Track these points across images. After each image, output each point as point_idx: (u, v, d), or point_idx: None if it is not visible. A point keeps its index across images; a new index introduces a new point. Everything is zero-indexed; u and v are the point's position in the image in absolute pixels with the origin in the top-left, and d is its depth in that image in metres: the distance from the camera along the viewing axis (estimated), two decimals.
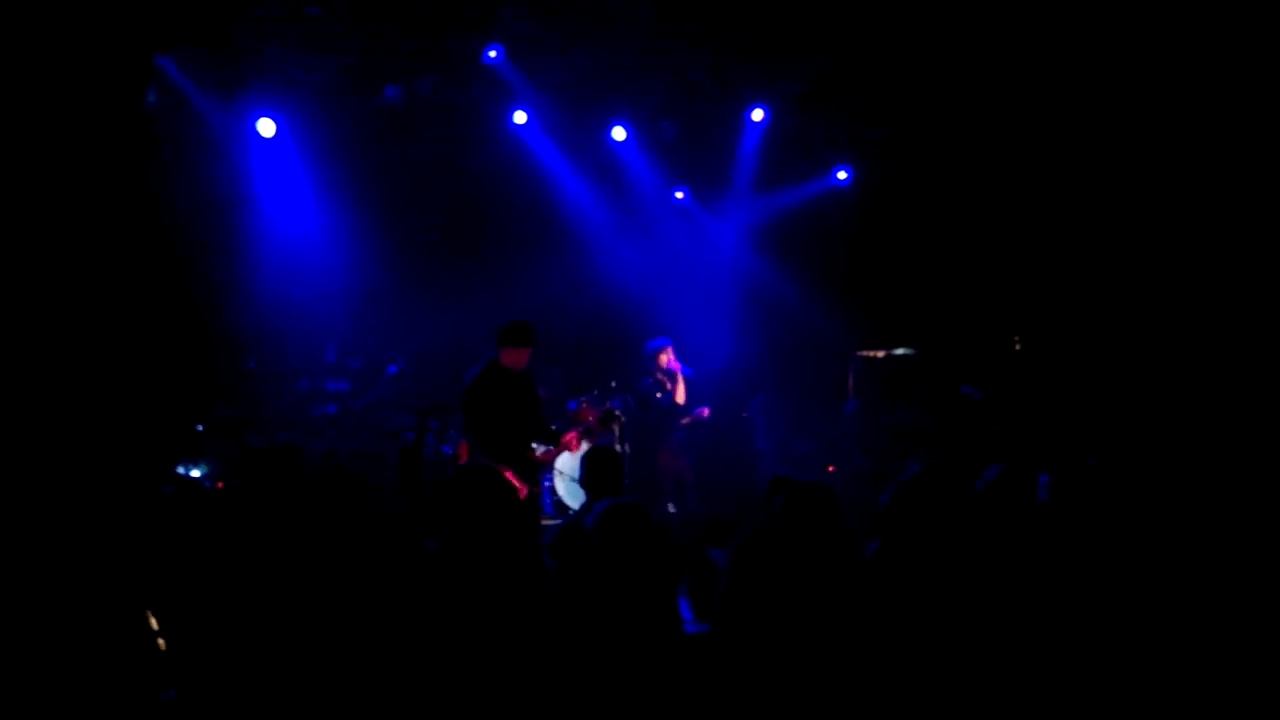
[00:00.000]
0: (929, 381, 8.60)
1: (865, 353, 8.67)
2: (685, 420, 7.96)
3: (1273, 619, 3.27)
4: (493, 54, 8.03)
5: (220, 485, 6.83)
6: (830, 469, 8.38)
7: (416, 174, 8.67)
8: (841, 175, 9.81)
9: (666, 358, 7.85)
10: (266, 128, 7.97)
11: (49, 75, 6.38)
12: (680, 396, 7.87)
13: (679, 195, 9.87)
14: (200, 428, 7.43)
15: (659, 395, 7.82)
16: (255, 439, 7.44)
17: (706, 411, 8.04)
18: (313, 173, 8.36)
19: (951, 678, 3.05)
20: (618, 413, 7.54)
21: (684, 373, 7.88)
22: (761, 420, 8.99)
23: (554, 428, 6.80)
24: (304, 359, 8.23)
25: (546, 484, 7.44)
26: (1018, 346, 8.47)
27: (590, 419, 7.37)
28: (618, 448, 7.38)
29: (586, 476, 4.93)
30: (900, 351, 8.59)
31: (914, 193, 9.37)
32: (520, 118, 8.65)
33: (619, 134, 9.07)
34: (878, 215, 9.58)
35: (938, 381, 8.48)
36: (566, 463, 7.36)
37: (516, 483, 6.52)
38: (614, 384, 8.08)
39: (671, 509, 7.87)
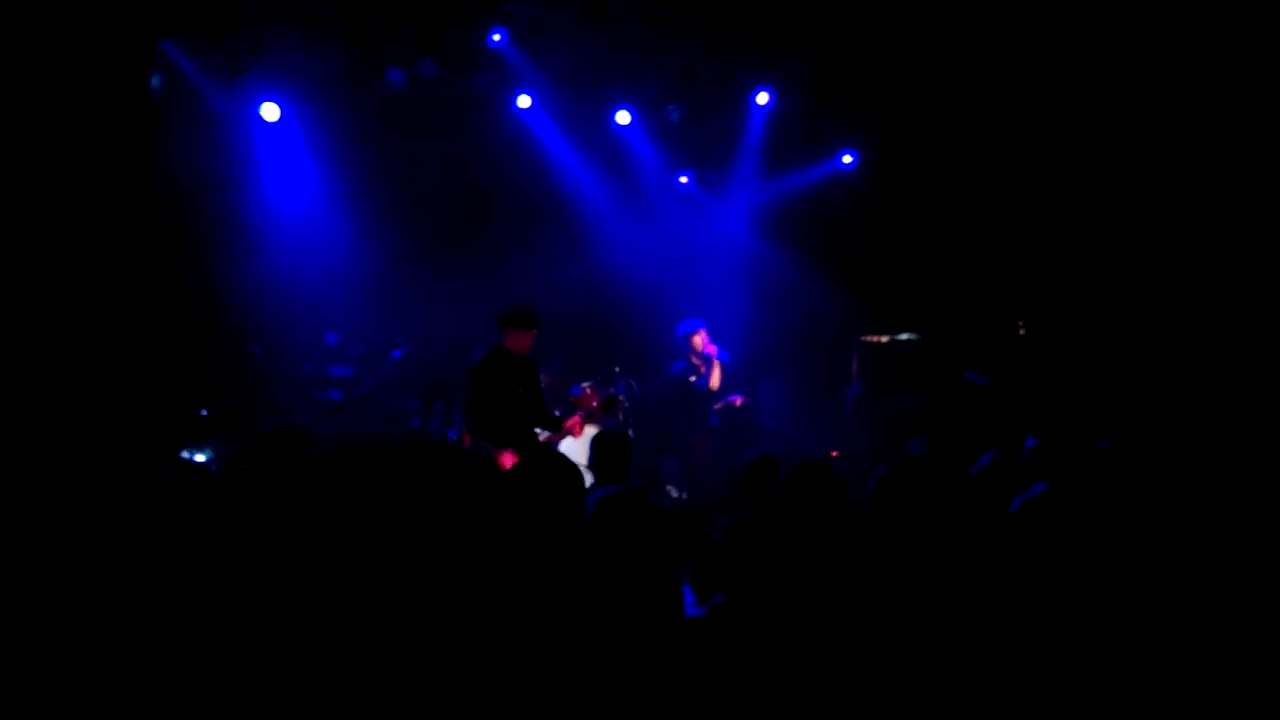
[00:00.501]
0: (932, 366, 8.60)
1: (869, 337, 8.66)
2: (718, 405, 7.93)
3: (1271, 611, 3.27)
4: (496, 38, 8.01)
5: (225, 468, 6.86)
6: (834, 453, 8.38)
7: (420, 158, 8.65)
8: (847, 159, 9.78)
9: (701, 340, 7.78)
10: (270, 112, 7.96)
11: (53, 60, 6.37)
12: (715, 382, 7.84)
13: (683, 180, 9.85)
14: (204, 413, 7.45)
15: (693, 379, 7.79)
16: (259, 424, 7.46)
17: (739, 400, 7.99)
18: (317, 157, 8.36)
19: (945, 664, 3.06)
20: (621, 397, 7.54)
21: (719, 357, 7.85)
22: (767, 404, 8.98)
23: (557, 413, 6.81)
24: (307, 344, 8.25)
25: None
26: (1022, 332, 8.46)
27: (593, 404, 7.38)
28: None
29: (595, 460, 4.93)
30: (904, 336, 8.58)
31: (919, 177, 9.34)
32: (524, 102, 8.63)
33: (623, 118, 9.05)
34: (883, 200, 9.55)
35: (941, 367, 8.48)
36: (571, 448, 7.37)
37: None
38: (618, 369, 8.08)
39: (675, 494, 7.88)
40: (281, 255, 8.13)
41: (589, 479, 5.24)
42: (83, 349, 6.52)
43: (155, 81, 7.45)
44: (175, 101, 7.61)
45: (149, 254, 7.13)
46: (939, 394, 8.32)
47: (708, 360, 7.81)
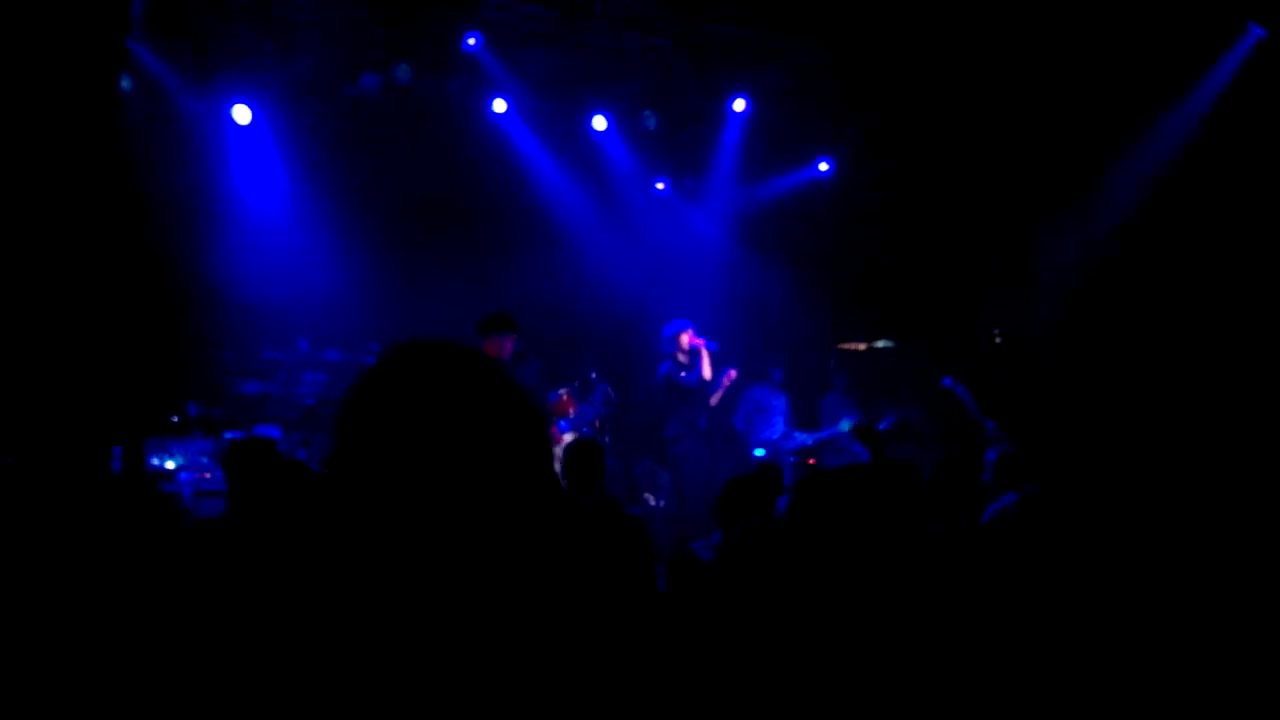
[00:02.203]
0: (909, 374, 8.61)
1: (846, 345, 8.66)
2: (714, 399, 7.85)
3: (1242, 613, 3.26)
4: (471, 42, 7.95)
5: (205, 476, 6.76)
6: (810, 461, 8.37)
7: (394, 163, 8.59)
8: (823, 167, 9.80)
9: (688, 337, 7.76)
10: (242, 115, 7.87)
11: (19, 60, 6.27)
12: (707, 371, 7.77)
13: (660, 186, 9.83)
14: (175, 420, 7.35)
15: (683, 375, 7.75)
16: (231, 431, 7.37)
17: (734, 373, 7.93)
18: (289, 161, 8.27)
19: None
20: (600, 403, 7.51)
21: (709, 347, 7.83)
22: (756, 414, 8.91)
23: None
24: (280, 351, 8.16)
25: None
26: (998, 339, 8.47)
27: (571, 412, 7.33)
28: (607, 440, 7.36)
29: (567, 469, 4.87)
30: (881, 344, 8.58)
31: (896, 184, 9.36)
32: (500, 106, 8.57)
33: (600, 123, 9.01)
34: (859, 207, 9.57)
35: (918, 374, 8.49)
36: None
37: None
38: (594, 375, 8.04)
39: (653, 502, 7.84)
40: (254, 260, 8.04)
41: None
42: (49, 353, 6.42)
43: (125, 83, 7.36)
44: (144, 103, 7.52)
45: (117, 258, 7.03)
46: (916, 401, 8.33)
47: (695, 354, 7.74)
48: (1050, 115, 8.30)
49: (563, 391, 7.68)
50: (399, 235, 8.70)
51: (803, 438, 8.41)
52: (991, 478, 4.45)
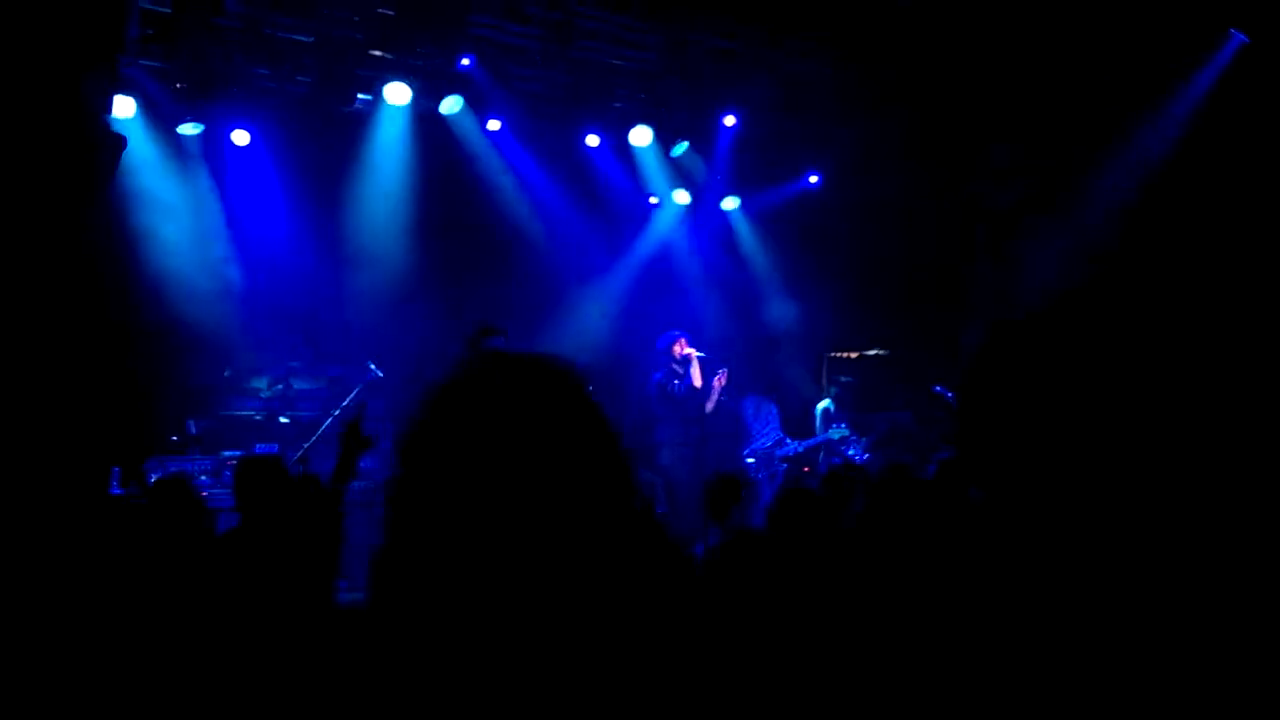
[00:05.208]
0: (901, 382, 8.69)
1: (838, 353, 8.74)
2: (710, 405, 7.93)
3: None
4: (465, 62, 8.03)
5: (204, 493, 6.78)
6: (805, 469, 8.45)
7: (390, 181, 8.65)
8: (813, 179, 9.90)
9: (680, 348, 7.93)
10: (240, 137, 7.94)
11: (17, 79, 6.30)
12: (697, 379, 7.91)
13: (653, 200, 9.92)
14: (174, 438, 7.38)
15: (676, 383, 7.85)
16: (230, 450, 7.40)
17: (725, 374, 8.07)
18: (285, 180, 8.33)
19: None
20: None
21: (699, 356, 7.95)
22: (752, 422, 8.97)
23: None
24: (278, 367, 8.20)
25: None
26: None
27: None
28: None
29: None
30: (872, 352, 8.66)
31: (884, 193, 9.46)
32: (494, 125, 8.65)
33: (593, 140, 9.09)
34: (848, 216, 9.66)
35: (910, 382, 8.57)
36: None
37: None
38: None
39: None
40: (252, 278, 8.11)
41: None
42: (46, 373, 6.44)
43: (122, 104, 7.41)
44: (142, 124, 7.57)
45: (115, 278, 7.06)
46: (908, 409, 8.41)
47: (685, 361, 7.89)
48: (1035, 120, 8.42)
49: None
50: (395, 252, 8.76)
51: (794, 445, 8.49)
52: (935, 477, 4.56)
